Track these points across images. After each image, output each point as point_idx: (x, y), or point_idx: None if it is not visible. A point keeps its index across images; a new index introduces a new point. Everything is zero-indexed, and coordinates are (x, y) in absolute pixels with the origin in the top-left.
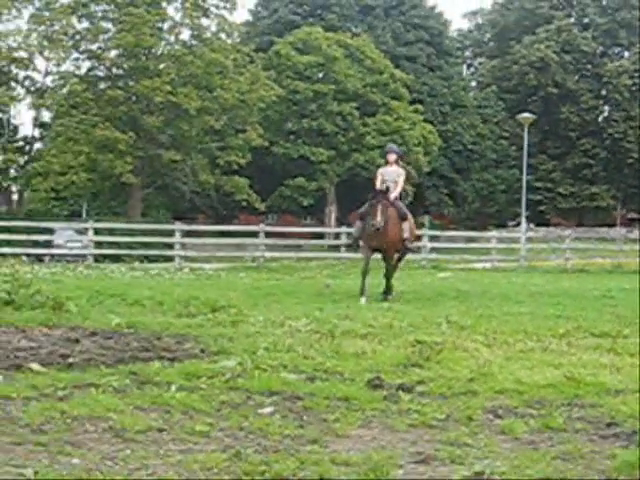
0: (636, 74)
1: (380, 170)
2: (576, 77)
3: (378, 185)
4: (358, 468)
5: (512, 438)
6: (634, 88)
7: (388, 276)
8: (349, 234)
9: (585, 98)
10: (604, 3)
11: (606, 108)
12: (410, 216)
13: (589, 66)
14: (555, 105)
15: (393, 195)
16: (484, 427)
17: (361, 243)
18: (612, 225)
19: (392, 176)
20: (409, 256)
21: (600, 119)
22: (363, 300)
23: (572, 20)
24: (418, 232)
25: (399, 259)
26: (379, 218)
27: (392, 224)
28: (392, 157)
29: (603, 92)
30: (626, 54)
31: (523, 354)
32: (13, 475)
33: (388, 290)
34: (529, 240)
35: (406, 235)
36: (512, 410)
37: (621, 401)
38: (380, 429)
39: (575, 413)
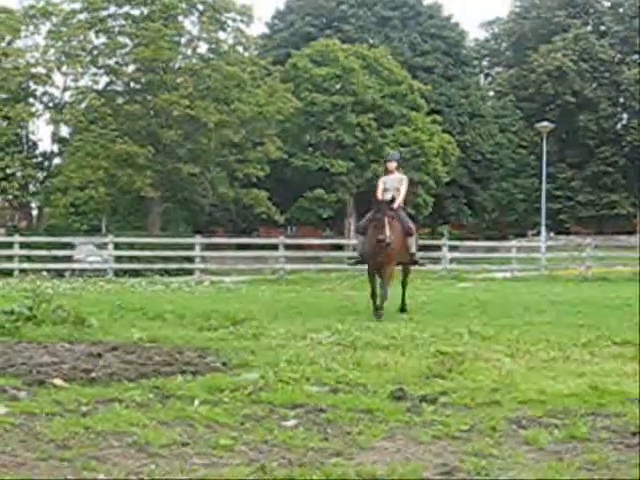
0: None
1: (382, 179)
2: (594, 85)
3: (379, 195)
4: None
5: (537, 448)
6: None
7: (385, 286)
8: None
9: (603, 106)
10: (621, 11)
11: (624, 116)
12: (414, 230)
13: (607, 74)
14: (573, 113)
15: (397, 203)
16: (508, 438)
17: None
18: (632, 232)
19: (393, 184)
20: (429, 267)
21: (618, 127)
22: (378, 316)
23: (589, 28)
24: (438, 242)
25: (406, 274)
26: (388, 232)
27: (397, 238)
28: (392, 165)
29: (621, 100)
30: None
31: (545, 364)
32: None
33: (404, 306)
34: (549, 249)
35: (413, 250)
36: (536, 420)
37: None
38: (404, 441)
39: (599, 422)
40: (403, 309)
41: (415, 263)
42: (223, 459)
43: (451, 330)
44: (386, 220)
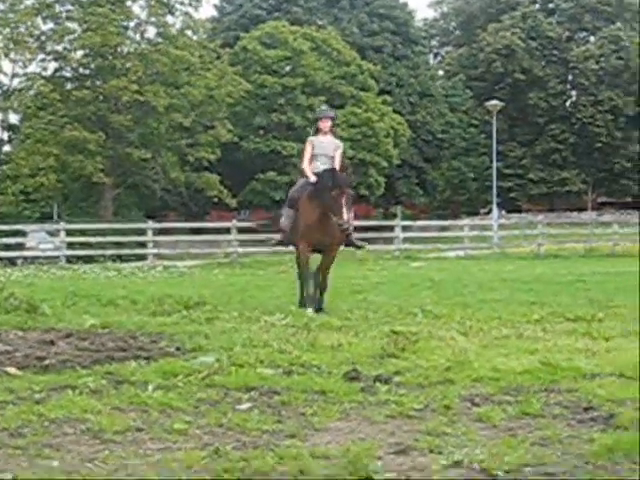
0: (602, 58)
1: (310, 140)
2: (543, 63)
3: (306, 163)
4: (337, 461)
5: (490, 425)
6: (601, 72)
7: (325, 275)
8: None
9: (552, 84)
10: None
11: (573, 93)
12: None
13: (555, 52)
14: (523, 92)
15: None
16: (462, 415)
17: (300, 240)
18: (583, 209)
19: (327, 149)
20: (382, 247)
21: (568, 104)
22: (310, 310)
23: (537, 6)
24: (390, 223)
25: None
26: (345, 216)
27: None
28: (327, 124)
29: (570, 77)
30: (592, 39)
31: (498, 341)
32: None
33: (323, 291)
34: (501, 227)
35: (351, 228)
36: (489, 398)
37: (597, 385)
38: (358, 421)
39: (552, 398)
40: (322, 293)
41: (352, 245)
42: (177, 443)
43: (405, 310)
44: (343, 200)
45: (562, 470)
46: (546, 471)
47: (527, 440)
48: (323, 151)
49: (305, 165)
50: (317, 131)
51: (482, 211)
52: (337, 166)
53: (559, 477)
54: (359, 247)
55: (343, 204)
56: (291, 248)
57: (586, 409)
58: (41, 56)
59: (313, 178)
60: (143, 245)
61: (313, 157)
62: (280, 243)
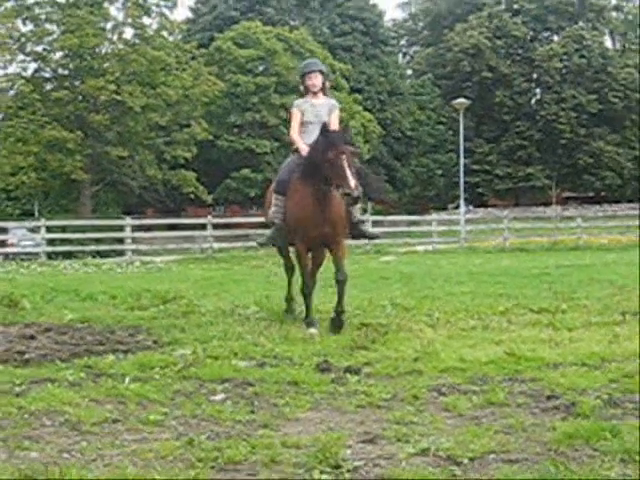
0: (565, 57)
1: (297, 105)
2: (508, 62)
3: (295, 132)
4: (308, 450)
5: (456, 414)
6: (564, 71)
7: (342, 279)
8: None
9: (518, 82)
10: None
11: (538, 91)
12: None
13: (520, 50)
14: (489, 90)
15: None
16: (429, 405)
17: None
18: (548, 204)
19: (320, 114)
20: (353, 241)
21: (533, 102)
22: (314, 331)
23: (502, 6)
24: (362, 218)
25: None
26: (352, 181)
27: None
28: (317, 80)
29: (535, 75)
30: (555, 38)
31: (465, 332)
32: None
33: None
34: (468, 222)
35: (359, 215)
36: (455, 387)
37: (560, 374)
38: (329, 411)
39: (516, 388)
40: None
41: (363, 236)
42: (153, 434)
43: (374, 302)
44: (345, 163)
45: (525, 457)
46: (509, 458)
47: (492, 428)
48: (315, 117)
49: (294, 134)
50: (305, 90)
51: (450, 206)
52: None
53: (522, 464)
54: (372, 237)
55: (346, 167)
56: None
57: (549, 398)
58: (21, 57)
59: (306, 149)
60: (121, 241)
61: (303, 125)
62: (271, 240)
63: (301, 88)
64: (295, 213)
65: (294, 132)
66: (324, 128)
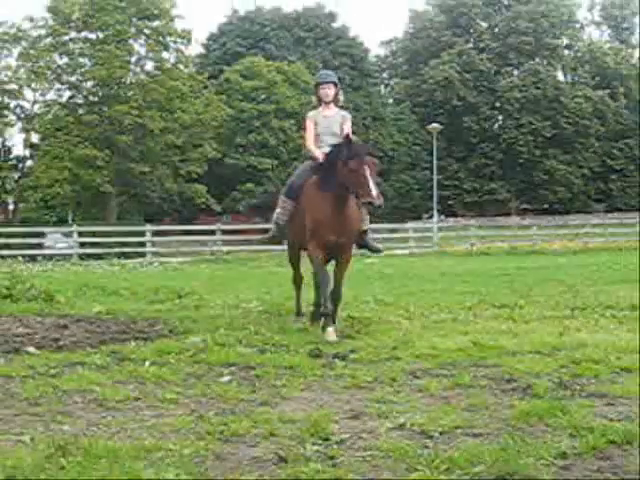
0: (523, 88)
1: (311, 116)
2: (475, 92)
3: (310, 143)
4: (301, 425)
5: (428, 395)
6: (523, 100)
7: (339, 283)
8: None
9: (483, 109)
10: (496, 30)
11: (500, 117)
12: None
13: (485, 83)
14: (458, 116)
15: None
16: (405, 386)
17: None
18: (508, 215)
19: (332, 125)
20: None
21: (496, 127)
22: (332, 332)
23: (470, 45)
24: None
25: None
26: (374, 191)
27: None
28: (330, 92)
29: (497, 104)
30: (515, 72)
31: (437, 324)
32: (13, 441)
33: (336, 307)
34: (440, 229)
35: (366, 223)
36: (428, 371)
37: (518, 360)
38: (319, 391)
39: (480, 372)
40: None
41: (366, 247)
42: (169, 410)
43: (359, 299)
44: (367, 172)
45: (487, 431)
46: (474, 432)
47: (459, 406)
48: (328, 128)
49: (310, 144)
50: (319, 101)
51: (425, 216)
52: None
53: (485, 437)
54: (375, 251)
55: (368, 176)
56: (272, 247)
57: (508, 381)
58: (57, 86)
59: (322, 158)
60: (142, 245)
61: (318, 137)
62: (272, 238)
63: (313, 99)
64: (310, 219)
65: (310, 142)
66: (347, 138)
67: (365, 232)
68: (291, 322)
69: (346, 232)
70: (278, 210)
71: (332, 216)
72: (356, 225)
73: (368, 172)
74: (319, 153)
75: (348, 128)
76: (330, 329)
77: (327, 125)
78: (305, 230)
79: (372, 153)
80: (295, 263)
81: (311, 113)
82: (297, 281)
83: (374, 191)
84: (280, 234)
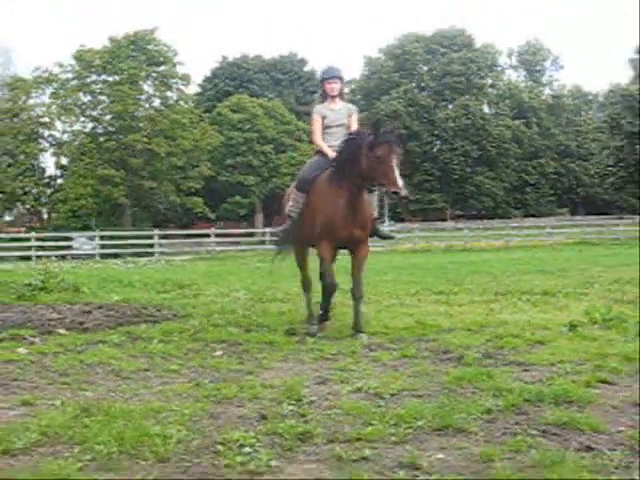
0: (456, 119)
1: (318, 110)
2: (417, 122)
3: (318, 137)
4: (279, 389)
5: (381, 364)
6: (456, 129)
7: (358, 279)
8: (272, 233)
9: (424, 136)
10: (434, 73)
11: (438, 142)
12: None
13: (426, 115)
14: (405, 142)
15: None
16: (363, 357)
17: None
18: (445, 220)
19: (339, 118)
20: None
21: (434, 150)
22: (364, 337)
23: (414, 84)
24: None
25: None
26: (400, 181)
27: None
28: (336, 86)
29: (435, 132)
30: (450, 106)
31: (388, 308)
32: (47, 405)
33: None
34: (391, 232)
35: (375, 213)
36: (381, 345)
37: (452, 336)
38: (294, 362)
39: (422, 345)
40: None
41: (376, 234)
42: (173, 379)
43: None
44: (394, 161)
45: (428, 393)
46: (417, 394)
47: (406, 373)
48: (335, 121)
49: (318, 139)
50: (324, 95)
51: (379, 222)
52: None
53: (425, 398)
54: (386, 238)
55: (395, 166)
56: (256, 247)
57: (444, 352)
58: (82, 119)
59: (332, 154)
60: (151, 246)
61: (324, 129)
62: (285, 241)
63: (318, 93)
64: (322, 215)
65: (317, 137)
66: (377, 125)
67: (376, 220)
68: (306, 327)
69: (362, 225)
70: (290, 203)
71: (346, 211)
72: (370, 216)
73: (395, 162)
74: (328, 149)
75: (354, 121)
76: (363, 336)
77: (335, 118)
78: (314, 227)
79: (403, 139)
80: (302, 264)
81: (318, 107)
82: (305, 284)
83: (399, 180)
84: (290, 232)
